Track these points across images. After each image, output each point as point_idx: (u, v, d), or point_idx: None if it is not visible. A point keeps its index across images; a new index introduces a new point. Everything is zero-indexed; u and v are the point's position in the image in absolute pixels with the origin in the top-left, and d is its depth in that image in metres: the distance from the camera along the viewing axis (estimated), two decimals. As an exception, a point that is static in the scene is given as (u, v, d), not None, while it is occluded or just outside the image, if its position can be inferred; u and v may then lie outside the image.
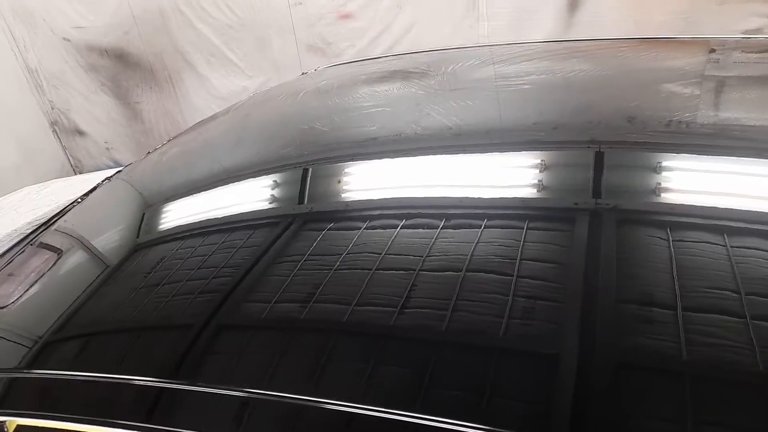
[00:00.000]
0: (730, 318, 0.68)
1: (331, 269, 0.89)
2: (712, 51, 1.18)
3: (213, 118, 1.80)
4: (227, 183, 1.24)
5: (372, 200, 1.10)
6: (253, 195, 1.20)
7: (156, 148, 1.64)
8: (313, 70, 1.99)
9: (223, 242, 1.05)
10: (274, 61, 4.42)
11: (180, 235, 1.13)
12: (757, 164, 1.02)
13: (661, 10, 2.96)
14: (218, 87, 4.72)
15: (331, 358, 0.75)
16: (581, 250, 0.82)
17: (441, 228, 0.94)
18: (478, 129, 1.25)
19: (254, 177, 1.24)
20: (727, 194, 0.99)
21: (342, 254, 0.92)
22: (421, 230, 0.95)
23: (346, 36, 4.11)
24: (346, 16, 4.06)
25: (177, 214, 1.23)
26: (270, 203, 1.15)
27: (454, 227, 0.94)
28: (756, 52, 1.19)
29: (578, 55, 1.38)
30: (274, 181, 1.21)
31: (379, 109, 1.45)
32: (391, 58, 1.94)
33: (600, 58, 1.35)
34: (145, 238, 1.18)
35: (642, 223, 0.88)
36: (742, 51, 1.20)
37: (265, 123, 1.60)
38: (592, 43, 1.43)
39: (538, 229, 0.90)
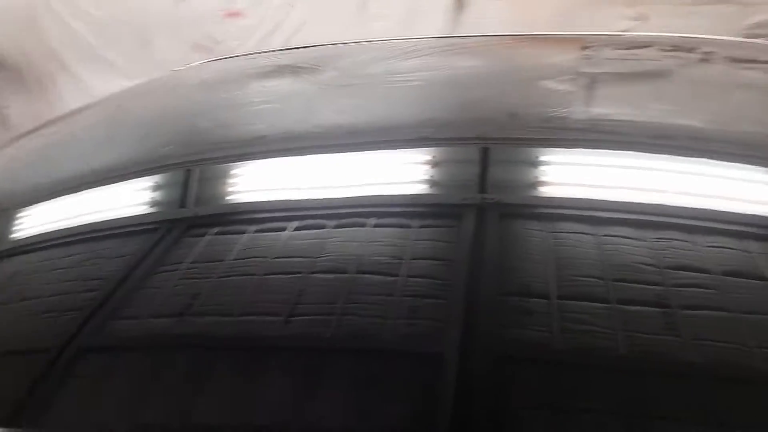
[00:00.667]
0: (597, 304, 0.70)
1: (213, 278, 0.82)
2: (585, 48, 1.25)
3: (78, 111, 1.64)
4: (96, 184, 1.12)
5: (260, 202, 1.05)
6: (127, 198, 1.09)
7: (9, 143, 1.47)
8: (192, 65, 1.88)
9: (90, 252, 0.95)
10: (158, 61, 4.16)
11: (37, 245, 1.00)
12: (629, 157, 1.08)
13: (541, 12, 3.16)
14: (95, 89, 4.35)
15: (209, 376, 0.69)
16: (466, 246, 0.83)
17: (330, 228, 0.91)
18: (368, 127, 1.23)
19: (128, 178, 1.13)
20: (602, 186, 1.05)
21: (226, 260, 0.85)
22: (309, 231, 0.91)
23: (236, 34, 3.98)
24: (235, 14, 3.94)
25: (33, 221, 1.09)
26: (147, 207, 1.05)
27: (343, 227, 0.92)
28: (624, 49, 1.28)
29: (463, 51, 1.41)
30: (153, 182, 1.10)
31: (268, 105, 1.39)
32: (280, 53, 1.88)
33: (483, 55, 1.39)
34: None
35: (523, 216, 0.92)
36: (612, 48, 1.28)
37: (143, 118, 1.48)
38: (476, 39, 1.47)
39: (427, 227, 0.91)
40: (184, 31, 4.00)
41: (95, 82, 4.28)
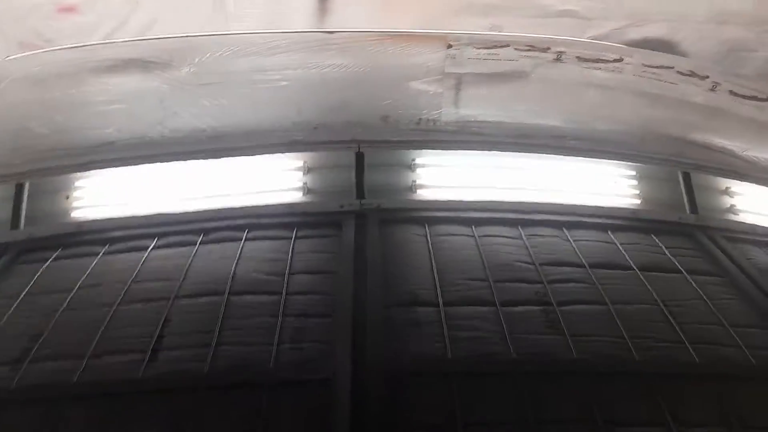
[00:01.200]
0: (483, 308, 0.71)
1: (57, 311, 0.70)
2: (450, 46, 1.27)
3: None
4: None
5: (111, 219, 0.93)
6: None
7: None
8: (14, 57, 1.60)
9: None
10: None
11: None
12: (495, 157, 1.12)
13: (405, 19, 3.21)
14: None
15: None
16: (349, 255, 0.79)
17: (199, 244, 0.82)
18: (235, 130, 1.14)
19: None
20: (475, 187, 1.08)
21: (72, 290, 0.73)
22: (175, 249, 0.82)
23: (70, 32, 3.49)
24: (69, 9, 3.49)
25: None
26: None
27: (214, 241, 0.84)
28: (485, 48, 1.32)
29: (329, 48, 1.36)
30: None
31: (115, 106, 1.22)
32: (120, 44, 1.67)
33: (351, 52, 1.35)
34: None
35: (401, 221, 0.91)
36: (474, 47, 1.32)
37: None
38: (342, 35, 1.43)
39: (307, 237, 0.86)
40: (5, 26, 3.47)
41: None
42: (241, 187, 1.08)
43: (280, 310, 0.69)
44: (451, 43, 1.28)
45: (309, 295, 0.73)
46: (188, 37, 1.53)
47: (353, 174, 1.06)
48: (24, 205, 0.96)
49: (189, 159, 1.07)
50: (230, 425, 0.57)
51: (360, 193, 1.01)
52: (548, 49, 1.33)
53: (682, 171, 1.10)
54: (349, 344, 0.65)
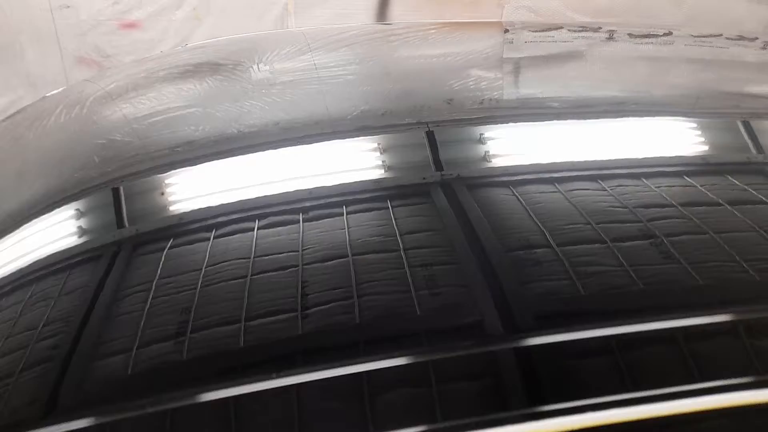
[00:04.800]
0: (596, 245, 0.75)
1: (196, 288, 0.74)
2: (506, 31, 1.33)
3: None
4: (15, 227, 0.97)
5: (209, 207, 0.95)
6: (55, 233, 0.96)
7: None
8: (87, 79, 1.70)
9: (34, 296, 0.81)
10: (29, 75, 3.64)
11: None
12: (559, 125, 1.15)
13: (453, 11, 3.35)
14: None
15: (240, 401, 0.61)
16: (450, 215, 0.83)
17: (303, 222, 0.86)
18: (306, 121, 1.20)
19: (49, 212, 0.99)
20: (541, 152, 1.11)
21: (201, 269, 0.77)
22: (282, 228, 0.86)
23: (131, 48, 3.56)
24: (131, 26, 3.56)
25: None
26: (81, 237, 0.93)
27: (317, 218, 0.87)
28: (540, 31, 1.38)
29: (391, 39, 1.43)
30: (77, 210, 0.98)
31: (190, 109, 1.29)
32: (189, 50, 1.75)
33: (411, 43, 1.42)
34: None
35: (486, 185, 0.95)
36: (530, 30, 1.38)
37: (49, 144, 1.32)
38: (401, 26, 1.50)
39: (402, 206, 0.90)
40: (65, 42, 3.56)
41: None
42: (322, 169, 1.11)
43: (405, 263, 0.72)
44: (507, 27, 1.34)
45: (426, 249, 0.76)
46: (255, 36, 1.61)
47: (427, 151, 1.09)
48: (124, 206, 0.99)
49: (266, 150, 1.08)
50: (397, 373, 0.61)
51: (438, 166, 1.04)
52: (600, 29, 1.38)
53: (741, 120, 1.13)
54: (484, 286, 0.69)
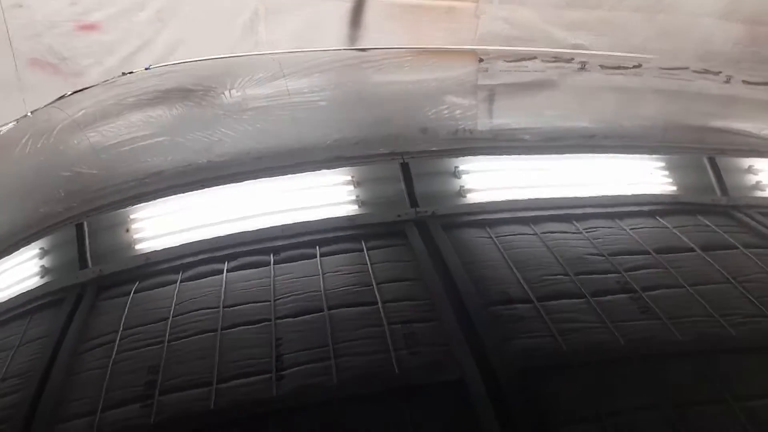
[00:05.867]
0: (575, 300, 0.75)
1: (163, 343, 0.71)
2: (481, 60, 1.34)
3: None
4: None
5: (176, 246, 0.93)
6: (19, 273, 0.93)
7: None
8: (68, 94, 1.64)
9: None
10: None
11: None
12: (533, 160, 1.17)
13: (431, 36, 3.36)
14: None
15: None
16: (427, 261, 0.82)
17: (274, 264, 0.84)
18: (279, 151, 1.18)
19: (12, 251, 0.95)
20: (516, 188, 1.12)
21: (167, 319, 0.74)
22: (251, 270, 0.83)
23: (89, 51, 3.40)
24: (89, 27, 3.39)
25: None
26: (41, 278, 0.89)
27: (288, 260, 0.86)
28: (513, 61, 1.39)
29: (365, 65, 1.42)
30: (40, 249, 0.95)
31: (159, 138, 1.26)
32: (158, 74, 1.71)
33: (386, 69, 1.41)
34: None
35: (461, 225, 0.94)
36: (504, 60, 1.39)
37: (15, 176, 1.27)
38: (376, 52, 1.49)
39: (377, 248, 0.89)
40: (18, 43, 3.38)
41: None
42: (295, 204, 1.09)
43: (384, 319, 0.71)
44: (482, 57, 1.35)
45: (404, 302, 0.75)
46: (227, 60, 1.58)
47: (402, 184, 1.08)
48: (87, 245, 0.95)
49: (236, 181, 1.06)
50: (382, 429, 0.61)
51: (413, 202, 1.03)
52: (572, 59, 1.41)
53: (707, 156, 1.15)
54: (465, 345, 0.68)
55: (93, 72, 3.47)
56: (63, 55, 3.47)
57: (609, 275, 0.79)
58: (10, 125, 1.52)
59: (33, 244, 0.94)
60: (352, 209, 1.03)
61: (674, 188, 1.10)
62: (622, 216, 0.94)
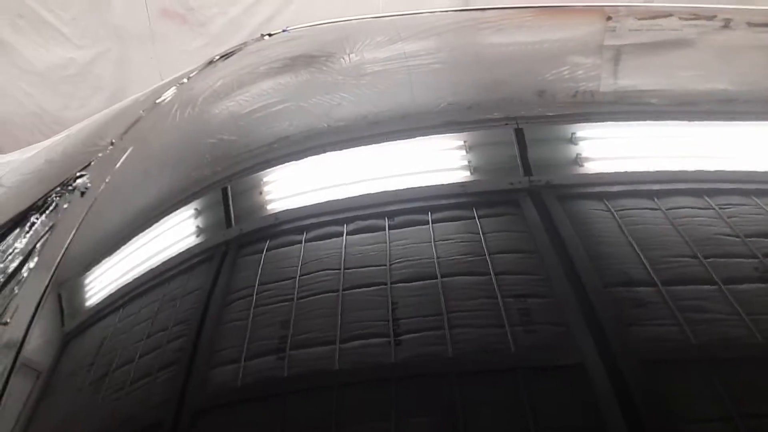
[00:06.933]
0: (706, 286, 0.68)
1: (292, 300, 0.77)
2: (609, 19, 1.25)
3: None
4: (138, 230, 1.06)
5: (302, 207, 0.99)
6: (171, 234, 1.04)
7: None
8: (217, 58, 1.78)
9: (152, 302, 0.88)
10: (115, 27, 3.72)
11: (99, 310, 0.94)
12: (660, 126, 1.08)
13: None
14: (32, 60, 3.79)
15: (340, 416, 0.63)
16: (541, 233, 0.80)
17: (388, 229, 0.87)
18: (393, 115, 1.21)
19: (166, 214, 1.07)
20: (639, 157, 1.05)
21: (295, 278, 0.80)
22: (367, 234, 0.87)
23: (215, 1, 3.62)
24: None
25: (89, 285, 1.02)
26: (195, 237, 0.99)
27: (402, 225, 0.87)
28: (646, 19, 1.28)
29: (483, 27, 1.38)
30: (195, 209, 1.06)
31: (286, 104, 1.33)
32: (285, 41, 1.80)
33: (504, 30, 1.37)
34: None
35: (578, 196, 0.89)
36: (635, 18, 1.28)
37: (167, 146, 1.40)
38: (495, 12, 1.45)
39: (489, 216, 0.87)
40: None
41: (31, 50, 3.72)
42: (409, 169, 1.11)
43: (497, 292, 0.71)
44: (610, 15, 1.26)
45: (518, 275, 0.74)
46: (347, 24, 1.62)
47: (515, 151, 1.06)
48: (231, 206, 1.04)
49: (354, 146, 1.09)
50: (492, 412, 0.60)
51: (527, 169, 1.00)
52: (715, 17, 1.26)
53: None
54: (584, 326, 0.66)
55: (217, 21, 3.63)
56: (190, 5, 3.66)
57: (746, 260, 0.72)
58: (168, 93, 1.69)
59: (188, 205, 1.06)
60: (463, 176, 1.02)
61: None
62: (763, 193, 0.84)
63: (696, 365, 0.62)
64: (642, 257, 0.73)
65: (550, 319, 0.68)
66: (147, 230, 1.05)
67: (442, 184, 0.98)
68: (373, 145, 1.11)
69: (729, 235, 0.76)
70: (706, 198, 0.85)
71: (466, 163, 1.07)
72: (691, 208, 0.83)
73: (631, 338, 0.64)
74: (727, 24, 1.24)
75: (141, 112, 1.59)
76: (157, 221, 1.06)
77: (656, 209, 0.83)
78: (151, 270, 0.95)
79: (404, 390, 0.64)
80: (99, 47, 3.89)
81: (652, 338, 0.64)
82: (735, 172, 0.94)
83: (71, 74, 4.05)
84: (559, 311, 0.69)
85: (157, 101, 1.63)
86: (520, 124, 1.04)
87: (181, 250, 0.97)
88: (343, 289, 0.77)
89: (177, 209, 1.06)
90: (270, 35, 1.83)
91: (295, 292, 0.78)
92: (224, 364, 0.72)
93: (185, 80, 1.73)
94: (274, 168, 1.07)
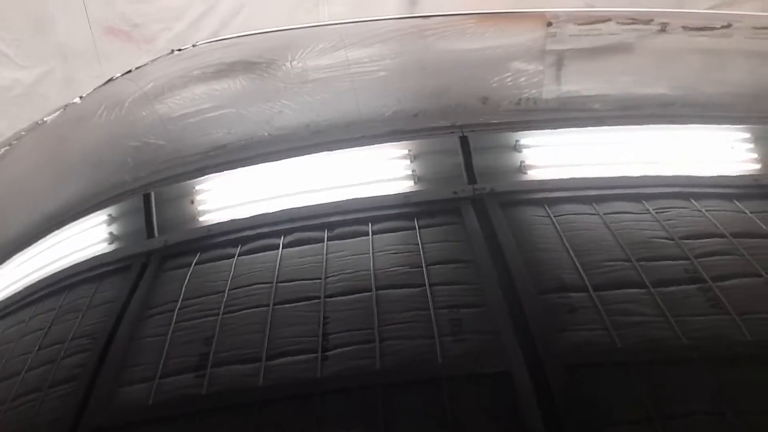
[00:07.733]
0: (636, 290, 0.69)
1: (218, 315, 0.73)
2: (550, 24, 1.26)
3: (9, 142, 1.47)
4: (49, 231, 0.98)
5: (236, 219, 0.95)
6: (85, 239, 0.97)
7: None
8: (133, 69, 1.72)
9: (59, 309, 0.82)
10: (60, 46, 3.72)
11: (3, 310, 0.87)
12: (602, 132, 1.09)
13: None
14: None
15: None
16: (480, 241, 0.79)
17: (327, 240, 0.85)
18: (337, 123, 1.18)
19: (81, 217, 1.00)
20: (582, 164, 1.06)
21: (224, 292, 0.76)
22: (305, 247, 0.84)
23: (159, 17, 3.57)
24: None
25: None
26: (111, 244, 0.94)
27: (341, 237, 0.85)
28: (586, 24, 1.30)
29: (426, 34, 1.37)
30: (109, 216, 0.99)
31: (223, 111, 1.29)
32: (223, 46, 1.74)
33: (448, 37, 1.36)
34: None
35: (520, 203, 0.89)
36: (575, 23, 1.30)
37: (86, 146, 1.34)
38: (438, 19, 1.44)
39: (430, 227, 0.86)
40: (93, 11, 3.55)
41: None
42: (351, 179, 1.09)
43: (430, 303, 0.70)
44: (551, 20, 1.27)
45: (452, 285, 0.73)
46: (289, 32, 1.59)
47: (460, 160, 1.05)
48: (154, 215, 0.99)
49: (295, 156, 1.06)
50: (417, 422, 0.59)
51: (471, 178, 0.99)
52: (651, 21, 1.29)
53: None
54: (513, 334, 0.65)
55: (163, 37, 3.63)
56: (134, 21, 3.64)
57: (677, 262, 0.72)
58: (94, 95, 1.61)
59: (102, 211, 0.99)
60: (407, 185, 1.03)
61: (762, 165, 1.00)
62: (699, 197, 0.86)
63: (620, 369, 0.62)
64: (576, 262, 0.74)
65: (480, 328, 0.68)
66: (46, 236, 0.97)
67: (385, 195, 0.96)
68: (316, 154, 1.08)
69: (663, 238, 0.77)
70: (644, 202, 0.86)
71: (410, 172, 1.06)
72: (629, 213, 0.84)
73: (559, 344, 0.64)
74: (663, 28, 1.26)
75: (56, 111, 1.51)
76: (60, 227, 0.97)
77: (595, 214, 0.83)
78: (50, 277, 0.88)
79: (328, 405, 0.63)
80: (43, 67, 3.84)
81: (580, 343, 0.64)
82: (675, 177, 0.95)
83: (17, 95, 4.03)
84: (490, 320, 0.68)
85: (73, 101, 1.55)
86: (465, 132, 1.04)
87: (86, 258, 0.90)
88: (275, 304, 0.74)
89: (87, 215, 0.99)
90: (180, 50, 1.78)
91: (222, 307, 0.74)
92: (134, 382, 0.67)
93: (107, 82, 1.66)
94: (209, 176, 1.02)
